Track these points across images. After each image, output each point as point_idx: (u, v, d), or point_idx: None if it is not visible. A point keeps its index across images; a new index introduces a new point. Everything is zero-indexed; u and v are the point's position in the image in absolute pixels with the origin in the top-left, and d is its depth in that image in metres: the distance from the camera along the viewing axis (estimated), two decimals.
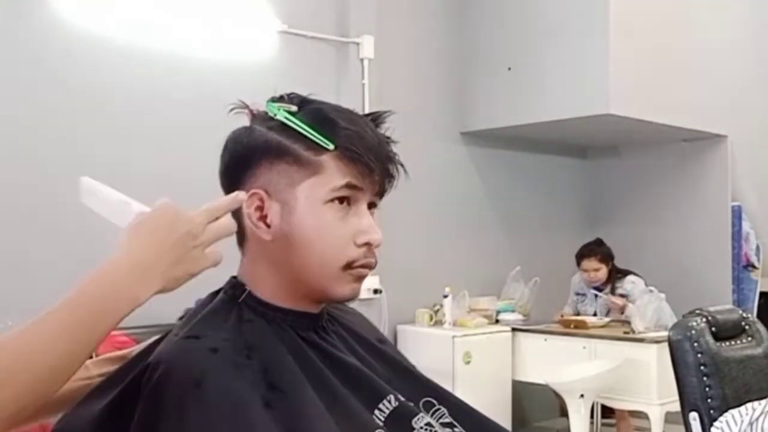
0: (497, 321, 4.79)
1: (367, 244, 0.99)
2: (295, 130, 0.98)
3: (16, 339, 0.75)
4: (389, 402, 1.00)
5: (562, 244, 5.20)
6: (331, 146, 0.97)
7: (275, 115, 0.99)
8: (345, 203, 0.98)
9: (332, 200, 0.98)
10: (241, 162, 1.01)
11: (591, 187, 5.92)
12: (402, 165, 1.03)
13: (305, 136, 0.98)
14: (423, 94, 4.88)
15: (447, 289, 4.59)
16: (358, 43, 4.40)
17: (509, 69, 4.77)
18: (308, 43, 4.24)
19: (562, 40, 4.54)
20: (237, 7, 3.94)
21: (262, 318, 0.98)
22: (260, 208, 0.99)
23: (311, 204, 0.97)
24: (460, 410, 1.07)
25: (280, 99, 1.02)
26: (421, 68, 4.88)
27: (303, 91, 1.05)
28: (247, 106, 1.04)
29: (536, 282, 4.99)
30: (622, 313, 4.52)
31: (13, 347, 0.75)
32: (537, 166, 5.55)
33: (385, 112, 1.05)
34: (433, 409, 1.05)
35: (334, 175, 0.97)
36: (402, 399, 1.01)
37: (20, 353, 0.74)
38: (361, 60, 4.41)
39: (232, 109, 1.04)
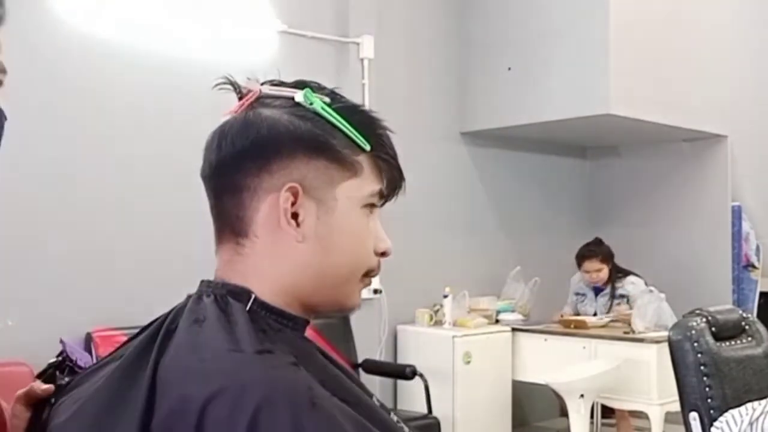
0: (497, 321, 4.78)
1: (384, 254, 0.95)
2: (332, 124, 0.90)
3: None
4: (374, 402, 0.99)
5: (562, 244, 5.20)
6: (368, 147, 0.91)
7: (311, 103, 0.89)
8: (369, 209, 0.93)
9: (366, 205, 0.91)
10: (268, 151, 0.88)
11: (591, 187, 5.92)
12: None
13: (344, 133, 0.90)
14: (423, 94, 4.88)
15: (447, 289, 4.59)
16: (358, 43, 4.40)
17: (509, 69, 4.77)
18: (308, 43, 4.24)
19: (562, 40, 4.54)
20: (237, 7, 3.94)
21: (284, 327, 0.88)
22: (292, 204, 0.88)
23: (352, 207, 0.90)
24: None
25: (300, 85, 0.92)
26: (421, 68, 4.88)
27: None
28: (232, 84, 0.93)
29: (536, 282, 4.99)
30: (630, 324, 4.41)
31: None
32: (537, 166, 5.55)
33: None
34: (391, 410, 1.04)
35: (370, 178, 0.91)
36: (378, 398, 1.00)
37: None
38: (361, 60, 4.42)
39: (216, 85, 0.93)
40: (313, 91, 0.91)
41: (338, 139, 0.89)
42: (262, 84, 0.93)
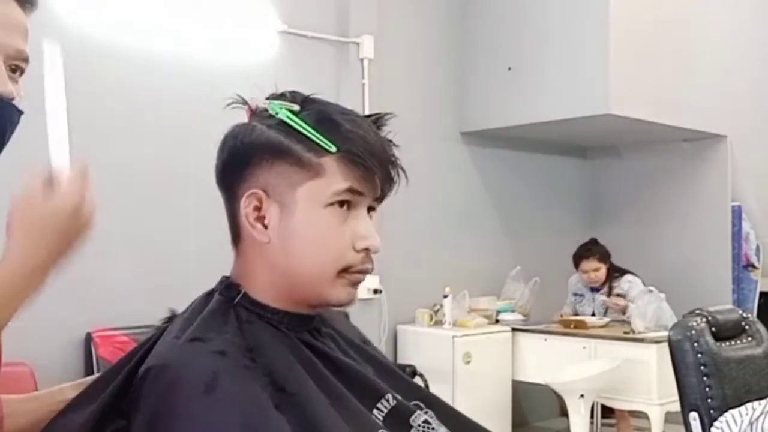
0: (497, 321, 4.78)
1: (366, 250, 0.97)
2: (296, 130, 0.95)
3: None
4: (387, 401, 0.99)
5: (562, 244, 5.19)
6: (333, 148, 0.94)
7: (276, 113, 0.96)
8: (345, 207, 0.96)
9: (332, 204, 0.95)
10: (240, 160, 0.97)
11: (591, 187, 5.92)
12: (403, 170, 1.00)
13: (307, 137, 0.95)
14: (423, 94, 4.88)
15: (447, 289, 4.59)
16: (358, 43, 4.40)
17: (509, 69, 4.77)
18: (308, 43, 4.24)
19: (562, 40, 4.54)
20: (237, 7, 3.94)
21: (260, 320, 0.96)
22: (258, 209, 0.96)
23: (311, 207, 0.95)
24: (449, 415, 1.06)
25: (281, 96, 0.99)
26: (421, 68, 4.88)
27: (303, 92, 1.03)
28: (245, 102, 1.01)
29: (536, 282, 4.99)
30: (624, 313, 4.52)
31: None
32: (537, 166, 5.55)
33: (387, 114, 1.02)
34: (422, 412, 1.04)
35: (335, 178, 0.95)
36: (399, 398, 1.01)
37: None
38: (361, 60, 4.41)
39: (229, 104, 1.01)
40: (276, 99, 0.97)
41: (303, 144, 0.95)
42: (266, 98, 1.00)
